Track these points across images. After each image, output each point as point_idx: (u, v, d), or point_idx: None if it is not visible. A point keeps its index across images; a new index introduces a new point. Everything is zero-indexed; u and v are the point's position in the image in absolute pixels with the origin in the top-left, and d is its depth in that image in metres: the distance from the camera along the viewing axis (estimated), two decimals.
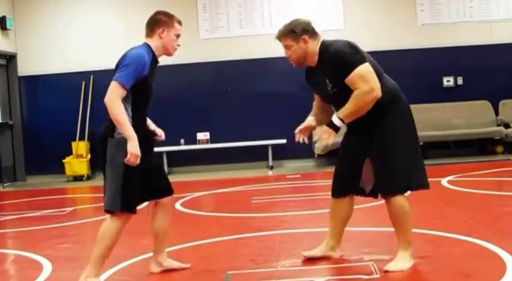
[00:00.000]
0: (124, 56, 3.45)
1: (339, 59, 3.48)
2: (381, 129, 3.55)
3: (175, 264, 3.82)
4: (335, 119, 3.49)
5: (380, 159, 3.55)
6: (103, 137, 3.44)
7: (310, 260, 3.84)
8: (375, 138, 3.56)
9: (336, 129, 3.50)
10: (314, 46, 3.60)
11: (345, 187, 3.73)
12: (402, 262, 3.53)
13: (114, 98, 3.35)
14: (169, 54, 3.74)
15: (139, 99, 3.46)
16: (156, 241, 3.78)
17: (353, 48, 3.53)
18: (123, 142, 3.31)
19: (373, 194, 3.74)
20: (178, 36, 3.64)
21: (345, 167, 3.75)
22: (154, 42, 3.59)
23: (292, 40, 3.60)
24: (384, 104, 3.53)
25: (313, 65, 3.66)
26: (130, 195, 3.40)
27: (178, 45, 3.70)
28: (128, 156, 3.27)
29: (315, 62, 3.64)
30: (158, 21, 3.60)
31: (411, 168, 3.59)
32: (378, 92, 3.45)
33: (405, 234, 3.58)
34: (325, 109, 3.77)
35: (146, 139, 3.50)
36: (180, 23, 3.63)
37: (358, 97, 3.43)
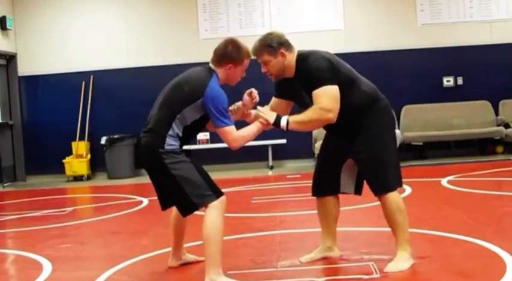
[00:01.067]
0: (208, 95, 3.40)
1: (314, 71, 3.47)
2: (364, 132, 3.56)
3: (192, 258, 3.94)
4: (284, 120, 3.49)
5: (368, 160, 3.55)
6: (152, 149, 3.44)
7: (309, 260, 3.84)
8: (358, 141, 3.56)
9: (276, 125, 3.51)
10: (291, 58, 3.57)
11: (324, 186, 3.76)
12: (401, 262, 3.52)
13: (237, 138, 3.45)
14: (231, 84, 3.68)
15: (197, 124, 3.49)
16: (176, 237, 3.85)
17: (329, 62, 3.52)
18: (177, 151, 3.43)
19: (357, 192, 3.82)
20: (244, 69, 3.64)
21: (324, 167, 3.81)
22: (220, 73, 3.55)
23: (270, 55, 3.54)
24: (363, 107, 3.56)
25: (289, 76, 3.63)
26: (210, 182, 3.43)
27: (243, 77, 3.68)
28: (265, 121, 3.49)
29: (292, 74, 3.61)
30: (227, 56, 3.54)
31: (397, 166, 3.62)
32: (333, 116, 3.42)
33: (403, 232, 3.56)
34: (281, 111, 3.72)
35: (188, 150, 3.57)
36: (249, 56, 3.60)
37: (315, 111, 3.43)
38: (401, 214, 3.55)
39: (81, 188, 9.45)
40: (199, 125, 3.53)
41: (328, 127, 3.63)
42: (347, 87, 3.53)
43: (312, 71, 3.48)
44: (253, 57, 3.62)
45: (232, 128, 3.42)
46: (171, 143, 3.43)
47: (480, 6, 10.22)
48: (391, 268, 3.48)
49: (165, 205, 3.62)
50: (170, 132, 3.43)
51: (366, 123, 3.56)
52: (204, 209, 3.43)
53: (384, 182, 3.55)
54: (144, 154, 3.51)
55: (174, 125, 3.44)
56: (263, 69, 3.61)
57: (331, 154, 3.77)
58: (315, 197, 3.85)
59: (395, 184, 3.59)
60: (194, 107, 3.43)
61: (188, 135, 3.52)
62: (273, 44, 3.54)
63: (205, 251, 3.41)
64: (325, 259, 3.84)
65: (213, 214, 3.38)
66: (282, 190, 7.44)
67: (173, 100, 3.49)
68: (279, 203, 6.39)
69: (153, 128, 3.50)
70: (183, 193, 3.40)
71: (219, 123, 3.40)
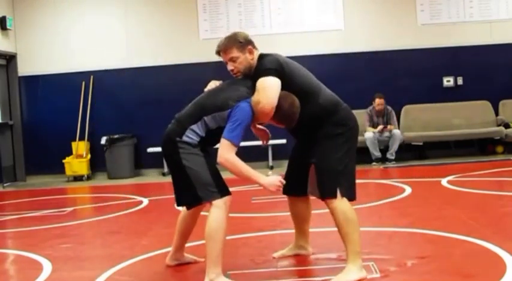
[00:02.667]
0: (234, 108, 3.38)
1: (260, 68, 3.47)
2: (319, 139, 3.53)
3: (191, 258, 3.96)
4: None
5: (318, 165, 3.51)
6: (170, 137, 3.45)
7: (309, 260, 3.85)
8: (313, 147, 3.54)
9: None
10: (255, 58, 3.55)
11: (291, 186, 3.73)
12: (350, 274, 3.38)
13: (230, 157, 3.36)
14: None
15: (220, 132, 3.42)
16: (180, 238, 3.85)
17: (275, 63, 3.47)
18: (192, 144, 3.42)
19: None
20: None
21: (292, 168, 3.82)
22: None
23: (239, 51, 3.50)
24: (323, 116, 3.52)
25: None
26: (218, 180, 3.42)
27: None
28: (272, 188, 3.42)
29: (251, 74, 3.56)
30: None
31: (349, 176, 3.52)
32: (263, 106, 3.36)
33: (352, 244, 3.42)
34: None
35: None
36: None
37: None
38: (349, 224, 3.42)
39: (81, 188, 9.45)
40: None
41: (289, 131, 3.67)
42: (302, 98, 3.46)
43: (258, 69, 3.47)
44: (219, 58, 3.59)
45: (230, 145, 3.35)
46: (190, 136, 3.43)
47: (480, 6, 10.23)
48: (338, 280, 3.37)
49: (179, 202, 3.60)
50: (193, 127, 3.43)
51: (321, 130, 3.52)
52: (209, 207, 3.43)
53: (329, 188, 3.45)
54: (164, 140, 3.52)
55: (199, 123, 3.43)
56: (230, 67, 3.56)
57: (299, 156, 3.75)
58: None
59: (344, 193, 3.45)
60: (221, 115, 3.42)
61: (210, 140, 3.49)
62: (241, 39, 3.52)
63: (206, 251, 3.41)
64: (325, 259, 3.84)
65: (215, 213, 3.38)
66: None
67: (206, 102, 3.48)
68: (279, 203, 6.37)
69: (179, 119, 3.51)
70: (189, 184, 3.41)
71: (226, 133, 3.36)
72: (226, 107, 3.38)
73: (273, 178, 3.47)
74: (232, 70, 3.56)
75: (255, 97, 3.39)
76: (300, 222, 3.93)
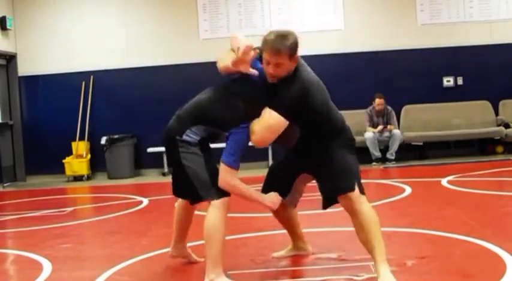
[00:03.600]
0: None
1: (286, 89, 3.26)
2: (325, 146, 3.43)
3: (193, 258, 3.96)
4: None
5: (327, 165, 3.43)
6: (170, 134, 3.45)
7: (310, 261, 3.85)
8: (318, 153, 3.44)
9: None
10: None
11: (270, 187, 3.68)
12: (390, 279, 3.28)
13: (231, 181, 3.38)
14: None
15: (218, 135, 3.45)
16: (179, 229, 3.86)
17: (303, 91, 3.26)
18: (192, 142, 3.41)
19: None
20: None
21: (274, 176, 3.76)
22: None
23: (288, 58, 3.24)
24: (331, 134, 3.44)
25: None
26: (216, 180, 3.41)
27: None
28: (271, 206, 3.55)
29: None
30: None
31: (358, 174, 3.46)
32: (256, 140, 3.29)
33: (381, 243, 3.34)
34: None
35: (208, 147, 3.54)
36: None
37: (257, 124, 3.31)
38: (377, 223, 3.37)
39: (81, 188, 9.45)
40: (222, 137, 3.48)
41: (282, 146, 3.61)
42: (316, 121, 3.39)
43: (285, 86, 3.27)
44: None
45: (229, 170, 3.36)
46: (190, 135, 3.42)
47: (480, 6, 10.23)
48: None
49: (176, 192, 3.63)
50: (193, 128, 3.42)
51: (326, 146, 3.43)
52: (207, 205, 3.43)
53: (346, 181, 3.36)
54: (164, 135, 3.51)
55: (199, 126, 3.42)
56: (270, 70, 3.27)
57: (287, 163, 3.71)
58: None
59: (360, 186, 3.39)
60: (220, 132, 3.44)
61: (210, 139, 3.51)
62: (295, 47, 3.26)
63: (206, 251, 3.40)
64: (325, 259, 3.85)
65: (213, 213, 3.37)
66: None
67: (209, 111, 3.43)
68: None
69: (180, 116, 3.49)
70: (189, 183, 3.41)
71: (225, 158, 3.36)
72: (226, 129, 3.37)
73: (272, 195, 3.57)
74: (271, 74, 3.28)
75: (255, 127, 3.29)
76: (291, 227, 3.92)
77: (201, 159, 3.44)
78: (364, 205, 3.38)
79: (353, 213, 3.38)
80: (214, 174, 3.44)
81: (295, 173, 3.66)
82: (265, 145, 3.42)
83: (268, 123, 3.27)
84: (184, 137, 3.42)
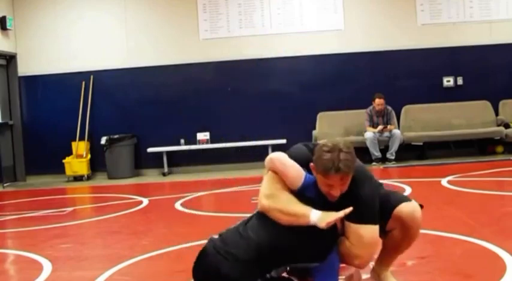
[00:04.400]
0: None
1: (368, 201, 2.93)
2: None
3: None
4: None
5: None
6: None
7: None
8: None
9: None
10: None
11: None
12: None
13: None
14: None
15: None
16: None
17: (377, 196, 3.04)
18: None
19: None
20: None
21: None
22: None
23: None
24: None
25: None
26: None
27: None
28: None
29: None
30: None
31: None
32: (359, 264, 3.05)
33: None
34: None
35: None
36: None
37: (344, 247, 3.01)
38: None
39: (81, 188, 9.45)
40: None
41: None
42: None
43: (366, 200, 2.92)
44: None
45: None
46: None
47: (480, 6, 10.22)
48: None
49: None
50: None
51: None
52: None
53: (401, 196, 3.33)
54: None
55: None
56: (336, 193, 2.83)
57: None
58: None
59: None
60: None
61: None
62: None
63: None
64: None
65: None
66: None
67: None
68: None
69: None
70: None
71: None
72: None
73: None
74: (333, 193, 2.84)
75: (355, 251, 2.96)
76: None
77: None
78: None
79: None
80: None
81: None
82: (365, 259, 3.06)
83: (366, 231, 2.92)
84: None
